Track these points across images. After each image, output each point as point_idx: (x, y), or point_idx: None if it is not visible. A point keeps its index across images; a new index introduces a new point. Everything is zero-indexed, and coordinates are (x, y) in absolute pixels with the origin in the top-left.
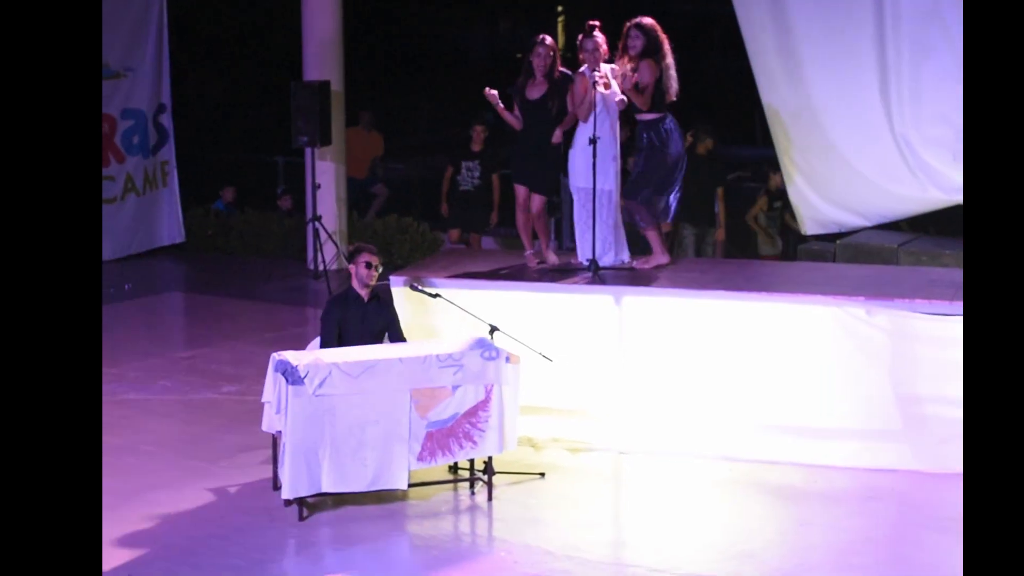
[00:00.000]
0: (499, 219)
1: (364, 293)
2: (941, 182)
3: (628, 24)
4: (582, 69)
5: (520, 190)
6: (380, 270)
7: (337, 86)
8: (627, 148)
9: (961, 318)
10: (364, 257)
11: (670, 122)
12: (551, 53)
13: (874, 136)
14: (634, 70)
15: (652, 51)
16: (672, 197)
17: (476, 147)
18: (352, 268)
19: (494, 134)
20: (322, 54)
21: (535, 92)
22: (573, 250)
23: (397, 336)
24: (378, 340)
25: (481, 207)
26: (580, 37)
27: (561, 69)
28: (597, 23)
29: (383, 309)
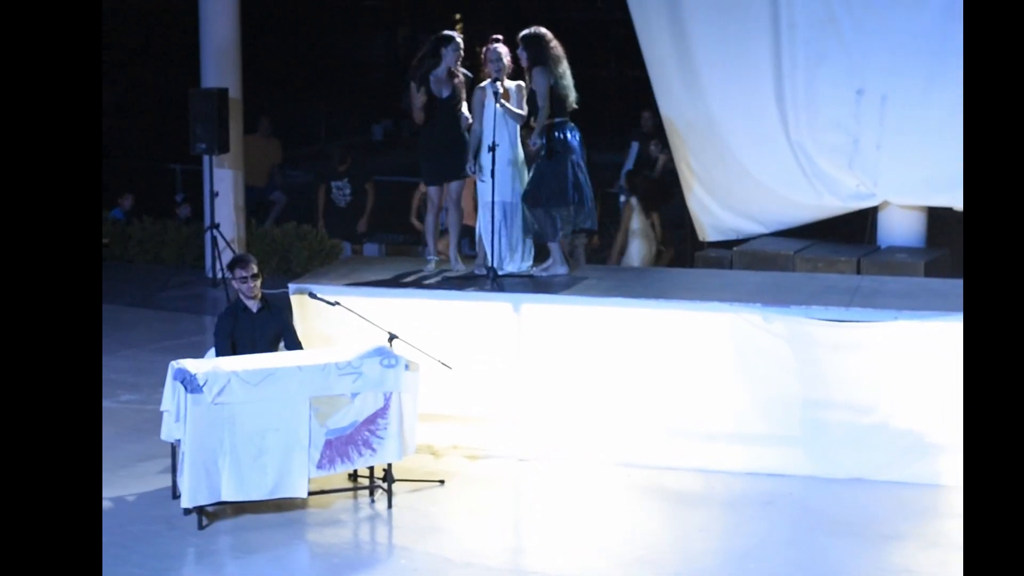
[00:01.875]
0: (374, 226)
1: (252, 304)
2: (837, 189)
3: (518, 36)
4: (483, 84)
5: (434, 193)
6: (259, 278)
7: (235, 93)
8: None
9: (858, 324)
10: (239, 272)
11: (567, 128)
12: (460, 52)
13: (771, 143)
14: (529, 81)
15: (541, 59)
16: (573, 204)
17: (341, 167)
18: (234, 285)
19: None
20: (220, 61)
21: (444, 90)
22: (474, 257)
23: (292, 342)
24: (272, 348)
25: (356, 220)
26: (484, 50)
27: (461, 70)
28: (500, 37)
29: (274, 317)
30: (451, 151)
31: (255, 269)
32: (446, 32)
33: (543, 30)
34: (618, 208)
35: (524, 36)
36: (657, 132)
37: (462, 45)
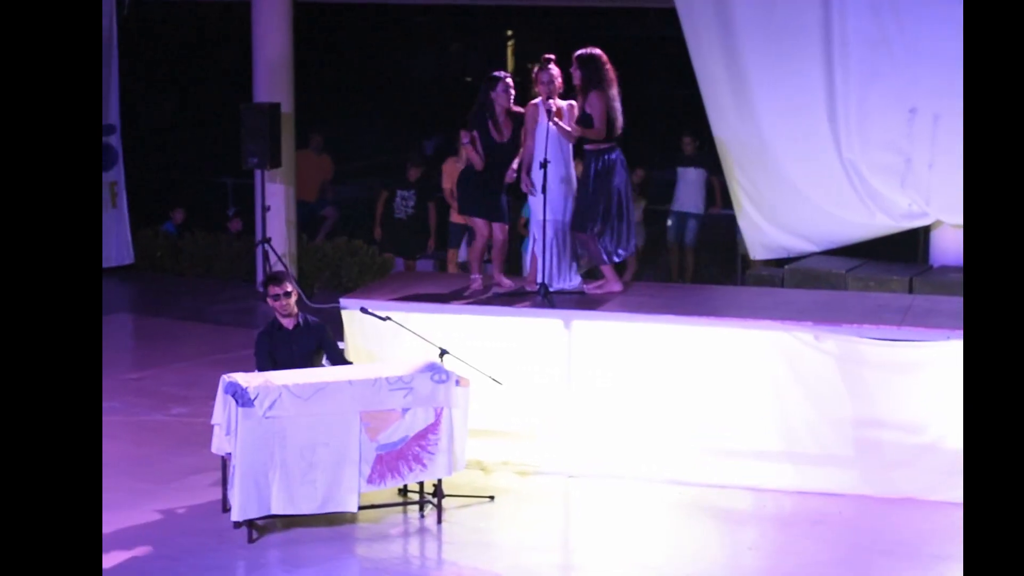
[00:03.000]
0: (436, 244)
1: (288, 322)
2: (889, 208)
3: (573, 56)
4: (536, 100)
5: (481, 225)
6: (292, 295)
7: (287, 108)
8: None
9: (909, 343)
10: (271, 290)
11: (616, 153)
12: (511, 91)
13: (823, 162)
14: (583, 103)
15: (596, 82)
16: (618, 231)
17: (412, 177)
18: (268, 301)
19: (428, 166)
20: (272, 76)
21: (503, 134)
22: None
23: (336, 358)
24: (310, 365)
25: (415, 234)
26: (536, 69)
27: (515, 108)
28: (552, 56)
29: (311, 334)
30: (500, 190)
31: (288, 287)
32: (493, 74)
33: (599, 52)
34: (665, 227)
35: (580, 56)
36: (698, 156)
37: (511, 83)
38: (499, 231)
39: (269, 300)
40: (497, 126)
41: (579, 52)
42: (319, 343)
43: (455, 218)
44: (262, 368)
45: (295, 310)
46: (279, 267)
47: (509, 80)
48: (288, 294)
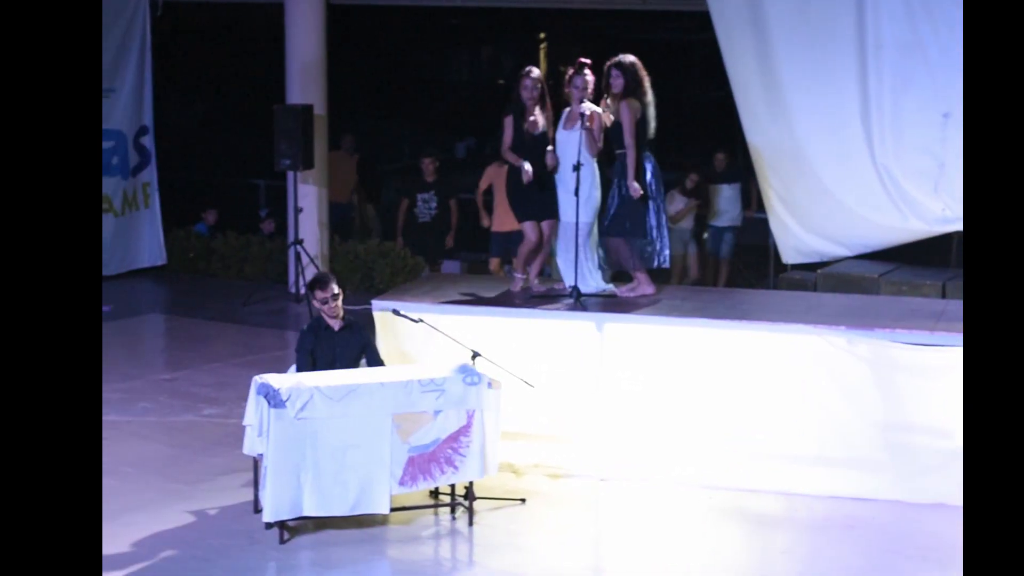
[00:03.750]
0: (456, 243)
1: (334, 323)
2: (922, 212)
3: (608, 63)
4: (572, 106)
5: (530, 229)
6: (340, 297)
7: (320, 110)
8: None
9: (942, 348)
10: (319, 293)
11: (646, 160)
12: (539, 85)
13: (856, 166)
14: (615, 109)
15: (633, 89)
16: (652, 237)
17: (429, 178)
18: (315, 306)
19: (444, 163)
20: (305, 78)
21: (537, 127)
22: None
23: (374, 360)
24: (353, 368)
25: (441, 235)
26: (570, 72)
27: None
28: (588, 61)
29: (356, 336)
30: (545, 189)
31: (336, 289)
32: (524, 69)
33: (634, 59)
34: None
35: (620, 63)
36: (730, 171)
37: (537, 76)
38: (547, 228)
39: (316, 304)
40: (527, 120)
41: (619, 59)
42: (363, 347)
43: (496, 227)
44: (300, 365)
45: (342, 312)
46: (311, 269)
47: (535, 74)
48: (336, 296)
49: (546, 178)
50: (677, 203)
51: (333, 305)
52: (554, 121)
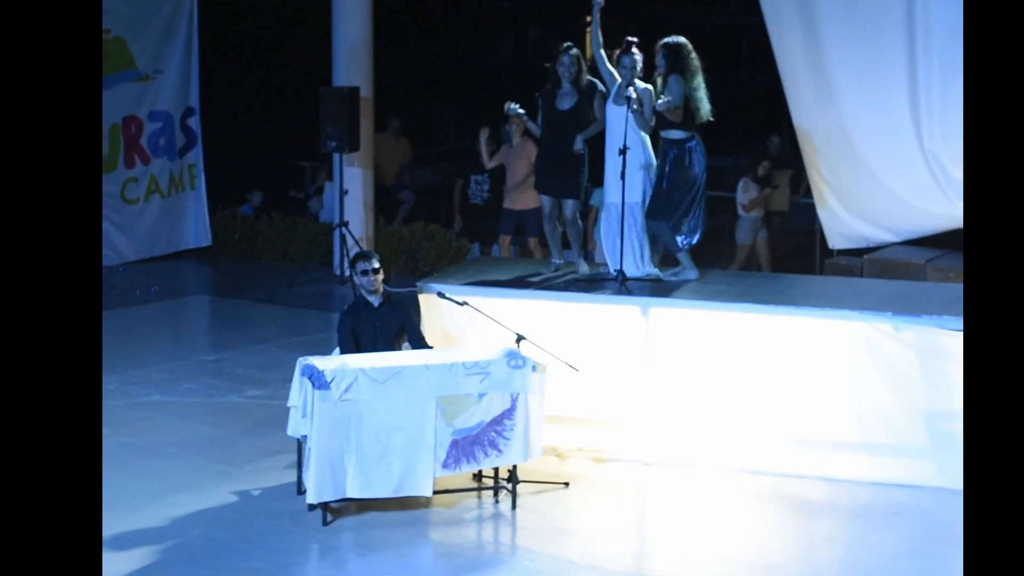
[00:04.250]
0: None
1: (373, 299)
2: None
3: (658, 44)
4: (617, 84)
5: (545, 202)
6: (380, 272)
7: (366, 92)
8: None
9: None
10: (360, 265)
11: (694, 142)
12: (577, 62)
13: (904, 152)
14: (663, 88)
15: (679, 69)
16: (692, 219)
17: (484, 159)
18: (356, 280)
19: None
20: (351, 60)
21: (565, 102)
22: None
23: (416, 338)
24: (393, 343)
25: (492, 219)
26: (618, 52)
27: (588, 78)
28: (635, 40)
29: (396, 312)
30: (566, 164)
31: (376, 264)
32: (563, 45)
33: (684, 40)
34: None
35: (666, 44)
36: (781, 156)
37: (577, 54)
38: (569, 208)
39: (356, 276)
40: (560, 95)
41: (665, 40)
42: (403, 323)
43: (507, 204)
44: (343, 345)
45: (381, 287)
46: (356, 251)
47: (574, 51)
48: (376, 270)
49: (566, 155)
50: (751, 191)
51: (373, 278)
52: (602, 100)
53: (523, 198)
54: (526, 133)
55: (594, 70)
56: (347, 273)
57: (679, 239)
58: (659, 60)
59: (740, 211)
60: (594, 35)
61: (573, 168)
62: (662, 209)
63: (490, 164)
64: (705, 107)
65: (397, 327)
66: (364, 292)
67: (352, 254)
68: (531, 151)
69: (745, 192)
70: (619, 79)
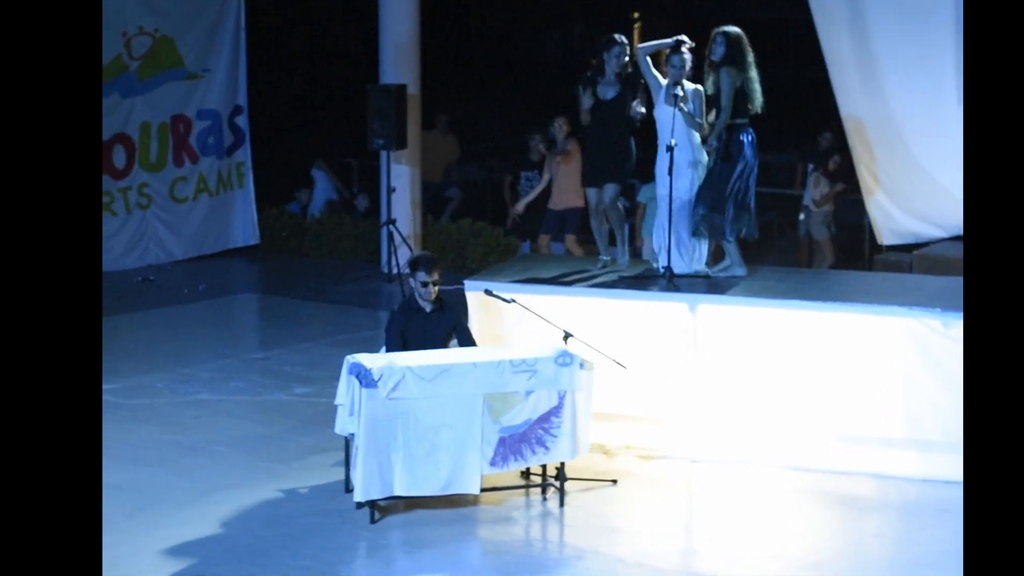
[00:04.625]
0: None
1: (427, 305)
2: None
3: (715, 31)
4: (664, 82)
5: (591, 195)
6: (439, 285)
7: (413, 89)
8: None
9: None
10: (421, 276)
11: (746, 133)
12: (626, 54)
13: (953, 147)
14: (716, 78)
15: (732, 59)
16: (744, 209)
17: (535, 157)
18: (411, 283)
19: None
20: (398, 57)
21: (608, 91)
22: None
23: (466, 339)
24: (443, 348)
25: (542, 216)
26: (668, 51)
27: (629, 70)
28: (687, 41)
29: (447, 318)
30: (610, 154)
31: (438, 276)
32: (611, 36)
33: (741, 31)
34: (788, 208)
35: (725, 32)
36: (833, 152)
37: (627, 46)
38: (610, 192)
39: (414, 282)
40: (606, 85)
41: (724, 28)
42: (453, 326)
43: (552, 205)
44: (390, 345)
45: (436, 296)
46: (404, 249)
47: (623, 44)
48: (436, 283)
49: (611, 143)
50: (822, 185)
51: (431, 291)
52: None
53: (566, 197)
54: (571, 134)
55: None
56: (395, 271)
57: (729, 229)
58: (715, 48)
59: (811, 206)
60: (650, 46)
61: (619, 156)
62: (714, 199)
63: (545, 177)
64: (758, 99)
65: (448, 332)
66: (418, 298)
67: (401, 253)
68: (575, 151)
69: (816, 187)
70: (663, 82)
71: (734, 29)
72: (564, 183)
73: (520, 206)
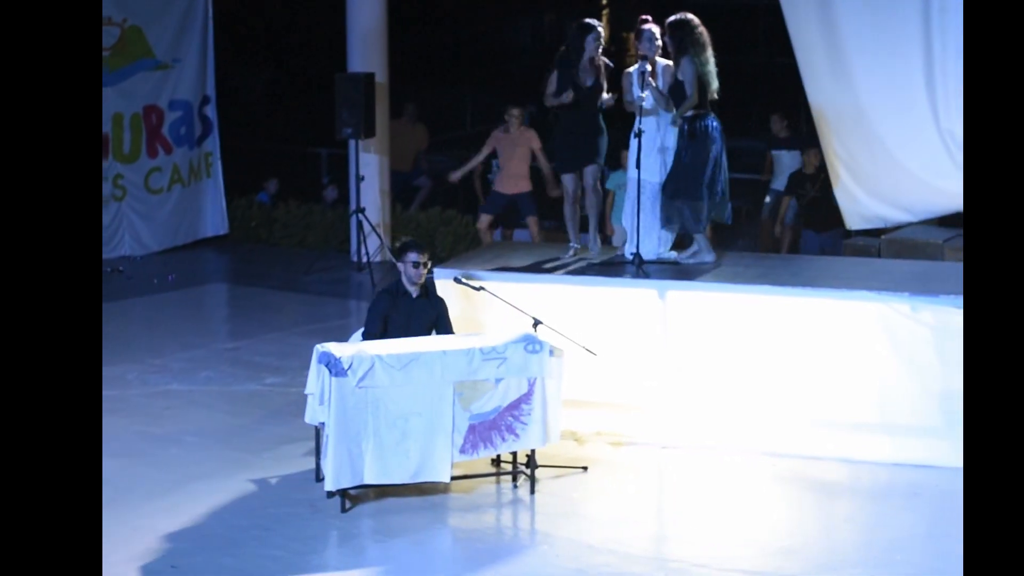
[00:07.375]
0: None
1: (414, 290)
2: None
3: (667, 21)
4: (630, 69)
5: (568, 181)
6: (429, 267)
7: (381, 78)
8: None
9: None
10: (411, 256)
11: (710, 119)
12: (600, 41)
13: (920, 131)
14: (675, 70)
15: (687, 47)
16: (716, 196)
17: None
18: (400, 266)
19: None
20: (366, 46)
21: (588, 78)
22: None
23: (446, 330)
24: (425, 335)
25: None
26: (634, 36)
27: (603, 59)
28: (648, 17)
29: (432, 305)
30: (588, 138)
31: (427, 258)
32: (587, 21)
33: (690, 16)
34: (759, 195)
35: (670, 23)
36: (791, 137)
37: (603, 33)
38: (589, 176)
39: (403, 264)
40: (584, 71)
41: (670, 19)
42: (437, 317)
43: (498, 187)
44: (370, 324)
45: (423, 281)
46: (373, 237)
47: (600, 30)
48: (426, 265)
49: (589, 128)
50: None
51: (420, 272)
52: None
53: (517, 182)
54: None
55: (608, 56)
56: (364, 260)
57: (692, 218)
58: (666, 39)
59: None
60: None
61: (596, 139)
62: (683, 187)
63: (485, 151)
64: (714, 84)
65: (431, 321)
66: (406, 281)
67: (371, 241)
68: (531, 139)
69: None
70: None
71: (678, 17)
72: (514, 167)
73: (456, 175)
